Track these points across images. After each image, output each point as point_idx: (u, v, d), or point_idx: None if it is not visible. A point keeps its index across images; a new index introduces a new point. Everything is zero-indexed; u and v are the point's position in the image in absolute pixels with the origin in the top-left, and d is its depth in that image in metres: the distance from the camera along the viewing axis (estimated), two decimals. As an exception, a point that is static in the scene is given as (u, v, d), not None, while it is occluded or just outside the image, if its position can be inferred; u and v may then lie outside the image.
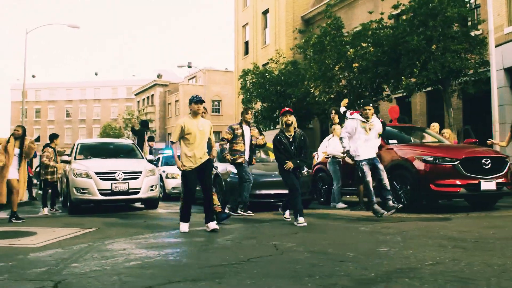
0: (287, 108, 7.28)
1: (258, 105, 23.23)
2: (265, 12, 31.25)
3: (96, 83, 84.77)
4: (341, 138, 8.53)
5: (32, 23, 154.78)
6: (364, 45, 15.37)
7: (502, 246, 4.67)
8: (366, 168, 7.87)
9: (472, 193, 8.13)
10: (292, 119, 7.17)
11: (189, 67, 61.77)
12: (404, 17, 14.44)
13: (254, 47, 32.19)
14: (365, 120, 8.03)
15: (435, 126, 11.19)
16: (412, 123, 17.41)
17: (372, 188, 7.76)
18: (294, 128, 7.22)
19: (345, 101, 9.79)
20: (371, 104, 8.11)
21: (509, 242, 4.97)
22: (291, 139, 7.13)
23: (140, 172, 10.53)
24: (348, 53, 15.62)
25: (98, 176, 10.15)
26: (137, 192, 10.42)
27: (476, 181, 7.96)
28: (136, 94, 66.18)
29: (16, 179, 8.86)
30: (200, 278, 3.52)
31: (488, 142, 10.02)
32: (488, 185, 7.98)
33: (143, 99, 63.04)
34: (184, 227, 6.62)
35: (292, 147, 7.10)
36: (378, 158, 8.07)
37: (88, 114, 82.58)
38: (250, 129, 9.09)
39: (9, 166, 8.67)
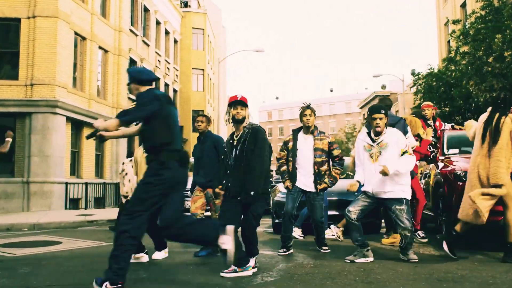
0: (238, 97, 4.80)
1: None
2: (463, 5, 27.50)
3: (330, 99, 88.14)
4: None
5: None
6: (515, 28, 12.12)
7: None
8: (358, 203, 5.23)
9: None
10: (244, 113, 4.77)
11: (413, 74, 59.13)
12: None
13: (451, 47, 28.54)
14: (370, 142, 5.33)
15: None
16: None
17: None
18: (245, 127, 4.82)
19: None
20: (382, 111, 5.23)
21: None
22: (235, 142, 4.83)
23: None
24: (496, 40, 12.53)
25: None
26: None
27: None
28: (361, 107, 66.09)
29: None
30: None
31: None
32: (551, 213, 5.31)
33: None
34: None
35: (235, 153, 4.77)
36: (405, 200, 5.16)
37: (324, 129, 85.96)
38: (314, 139, 5.99)
39: None
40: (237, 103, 4.78)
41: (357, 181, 5.33)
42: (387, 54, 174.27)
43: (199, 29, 37.06)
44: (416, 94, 20.81)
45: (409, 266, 4.82)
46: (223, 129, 36.98)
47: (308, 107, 6.09)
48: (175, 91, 33.78)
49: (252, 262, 4.73)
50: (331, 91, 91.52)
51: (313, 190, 5.93)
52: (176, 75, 34.26)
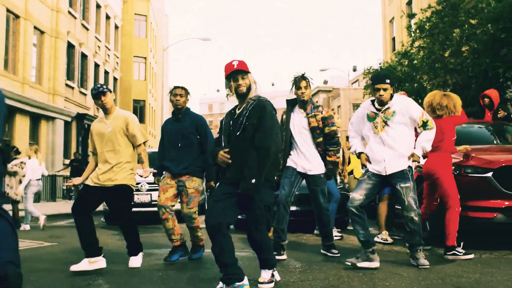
0: (235, 64, 3.68)
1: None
2: (409, 3, 27.98)
3: (272, 93, 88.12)
4: (346, 137, 6.38)
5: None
6: (473, 22, 12.12)
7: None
8: (361, 186, 4.51)
9: (516, 222, 5.26)
10: (246, 82, 3.68)
11: (354, 70, 60.15)
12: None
13: (400, 42, 29.03)
14: (374, 110, 4.61)
15: None
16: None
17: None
18: (250, 98, 3.71)
19: None
20: (387, 80, 4.50)
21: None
22: (235, 116, 3.72)
23: (166, 183, 9.83)
24: (454, 34, 12.49)
25: (121, 187, 9.73)
26: (161, 204, 9.74)
27: (524, 203, 5.11)
28: (303, 102, 66.63)
29: None
30: None
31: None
32: (547, 209, 5.04)
33: (309, 107, 63.14)
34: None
35: (234, 129, 3.65)
36: (409, 176, 4.47)
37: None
38: (308, 118, 5.13)
39: None
40: (235, 73, 3.66)
41: (360, 152, 4.72)
42: (329, 49, 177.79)
43: (141, 16, 35.50)
44: (366, 89, 20.72)
45: (413, 269, 4.31)
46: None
47: (303, 77, 5.12)
48: (115, 79, 32.09)
49: (267, 275, 3.70)
50: (273, 85, 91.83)
51: (314, 173, 5.13)
52: (117, 63, 32.57)
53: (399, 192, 4.45)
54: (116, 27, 32.47)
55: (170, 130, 5.29)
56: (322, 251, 5.39)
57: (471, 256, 4.83)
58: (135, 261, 4.83)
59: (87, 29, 26.05)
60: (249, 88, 3.68)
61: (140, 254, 4.91)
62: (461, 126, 7.74)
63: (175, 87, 5.29)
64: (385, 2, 32.06)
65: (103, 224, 9.99)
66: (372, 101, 4.69)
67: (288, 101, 5.39)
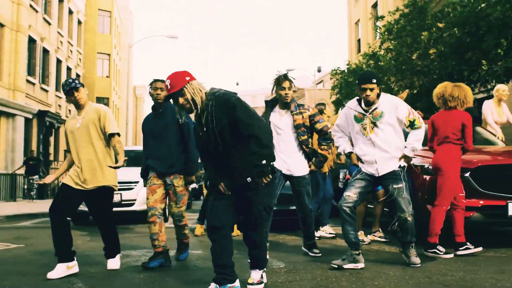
0: (168, 86, 3.36)
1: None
2: (375, 5, 28.49)
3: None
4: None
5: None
6: (440, 25, 12.42)
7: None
8: (355, 185, 4.49)
9: (493, 220, 5.39)
10: (186, 97, 3.37)
11: (319, 71, 60.71)
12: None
13: (366, 44, 29.52)
14: (361, 111, 4.54)
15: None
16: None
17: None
18: (207, 99, 3.42)
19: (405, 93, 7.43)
20: (373, 80, 4.41)
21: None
22: (205, 127, 3.43)
23: (137, 182, 9.61)
24: (422, 37, 12.76)
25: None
26: (131, 204, 9.54)
27: (501, 202, 5.24)
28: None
29: None
30: None
31: None
32: (521, 208, 5.18)
33: (274, 106, 63.38)
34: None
35: (210, 138, 3.40)
36: (401, 176, 4.45)
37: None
38: (293, 115, 5.02)
39: None
40: (172, 96, 3.38)
41: (350, 152, 4.70)
42: (297, 49, 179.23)
43: (105, 11, 34.70)
44: (333, 89, 20.95)
45: (398, 268, 4.33)
46: (131, 121, 34.98)
47: (286, 77, 4.95)
48: (78, 75, 31.24)
49: (257, 276, 3.58)
50: (237, 84, 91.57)
51: (299, 174, 5.06)
52: (80, 59, 31.72)
53: (391, 194, 4.44)
54: (79, 22, 31.64)
55: (151, 126, 5.07)
56: (303, 248, 5.37)
57: (451, 255, 4.88)
58: (114, 263, 4.67)
59: (49, 24, 25.26)
60: (193, 100, 3.36)
61: (118, 256, 4.76)
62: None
63: (155, 80, 5.04)
64: (351, 4, 32.52)
65: (71, 225, 9.64)
66: (358, 101, 4.65)
67: (267, 102, 5.25)
